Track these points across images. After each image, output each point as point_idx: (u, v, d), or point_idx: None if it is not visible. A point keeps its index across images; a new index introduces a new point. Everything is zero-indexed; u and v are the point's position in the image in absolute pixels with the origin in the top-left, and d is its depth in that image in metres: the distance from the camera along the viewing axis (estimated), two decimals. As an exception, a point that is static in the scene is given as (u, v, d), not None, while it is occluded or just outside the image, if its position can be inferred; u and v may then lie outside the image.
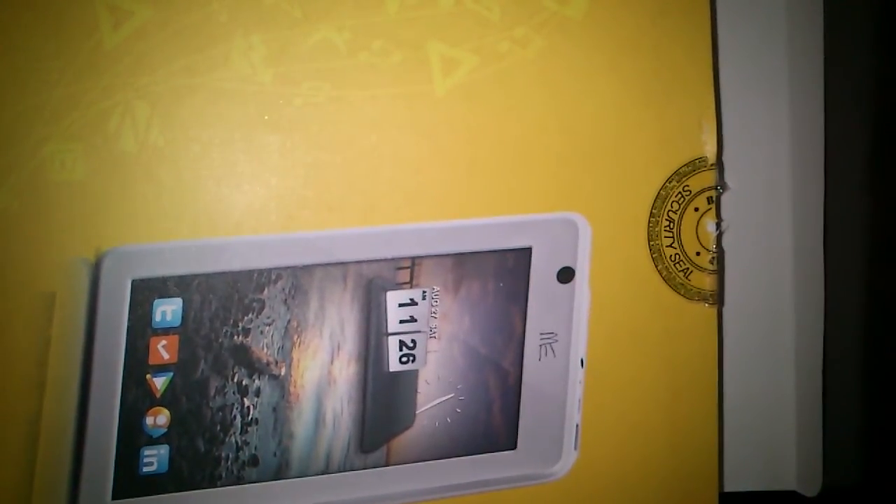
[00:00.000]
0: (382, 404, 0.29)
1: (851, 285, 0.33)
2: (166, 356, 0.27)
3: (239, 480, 0.28)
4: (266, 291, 0.27)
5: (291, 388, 0.28)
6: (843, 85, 0.33)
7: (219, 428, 0.27)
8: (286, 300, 0.27)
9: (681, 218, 0.31)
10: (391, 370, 0.29)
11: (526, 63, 0.29)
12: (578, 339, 0.30)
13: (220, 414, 0.27)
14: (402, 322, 0.28)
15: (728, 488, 0.33)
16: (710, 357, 0.31)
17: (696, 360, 0.31)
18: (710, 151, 0.31)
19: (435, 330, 0.29)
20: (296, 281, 0.27)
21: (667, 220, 0.30)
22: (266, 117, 0.28)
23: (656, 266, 0.30)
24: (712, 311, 0.31)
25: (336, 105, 0.28)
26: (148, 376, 0.27)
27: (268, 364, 0.28)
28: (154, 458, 0.27)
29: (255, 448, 0.28)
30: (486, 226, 0.29)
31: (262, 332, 0.27)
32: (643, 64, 0.30)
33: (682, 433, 0.31)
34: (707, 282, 0.31)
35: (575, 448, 0.30)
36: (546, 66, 0.29)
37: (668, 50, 0.30)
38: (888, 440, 0.33)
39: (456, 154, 0.29)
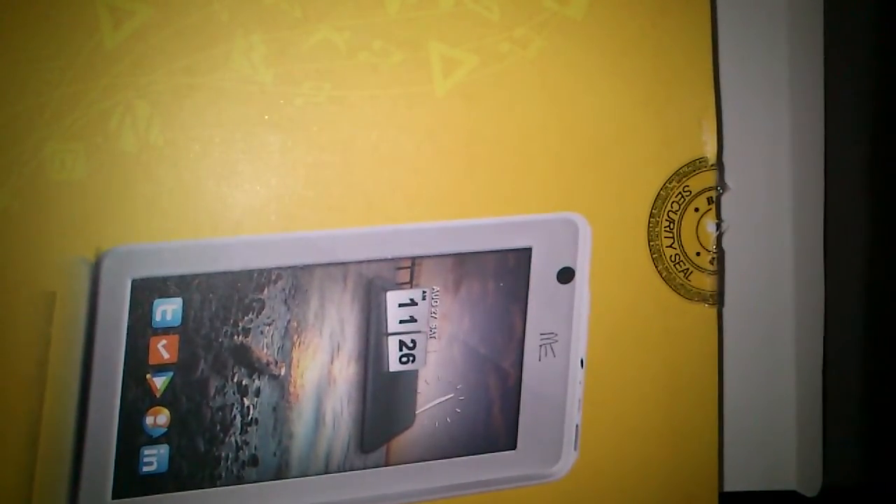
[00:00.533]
0: (382, 404, 0.29)
1: (851, 285, 0.33)
2: (166, 356, 0.27)
3: (239, 480, 0.28)
4: (266, 291, 0.27)
5: (291, 388, 0.28)
6: (843, 85, 0.33)
7: (219, 428, 0.27)
8: (286, 300, 0.27)
9: (681, 218, 0.31)
10: (391, 370, 0.29)
11: (526, 63, 0.29)
12: (578, 339, 0.30)
13: (220, 414, 0.27)
14: (401, 322, 0.28)
15: (728, 488, 0.33)
16: (710, 357, 0.31)
17: (696, 360, 0.31)
18: (710, 152, 0.31)
19: (435, 330, 0.29)
20: (296, 281, 0.28)
21: (667, 220, 0.30)
22: (266, 117, 0.28)
23: (656, 266, 0.30)
24: (712, 312, 0.31)
25: (336, 105, 0.28)
26: (148, 376, 0.27)
27: (268, 364, 0.28)
28: (154, 458, 0.27)
29: (255, 448, 0.28)
30: (486, 226, 0.29)
31: (262, 332, 0.27)
32: (643, 64, 0.30)
33: (682, 433, 0.31)
34: (707, 282, 0.31)
35: (575, 448, 0.30)
36: (546, 66, 0.29)
37: (668, 50, 0.30)
38: (888, 440, 0.33)
39: (456, 154, 0.29)
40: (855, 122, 0.33)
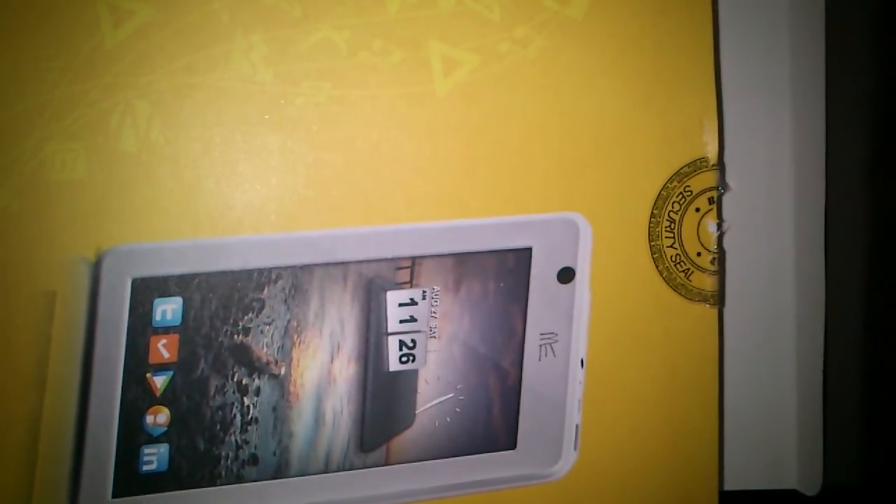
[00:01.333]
0: (382, 404, 0.29)
1: (852, 286, 0.33)
2: (166, 355, 0.27)
3: (239, 479, 0.28)
4: (266, 291, 0.27)
5: (291, 388, 0.28)
6: (844, 85, 0.33)
7: (219, 427, 0.27)
8: (286, 300, 0.28)
9: (682, 218, 0.31)
10: (391, 370, 0.29)
11: (526, 63, 0.29)
12: (578, 339, 0.30)
13: (220, 413, 0.27)
14: (402, 322, 0.28)
15: (728, 487, 0.33)
16: (710, 357, 0.31)
17: (696, 360, 0.31)
18: (711, 152, 0.31)
19: (435, 330, 0.29)
20: (296, 280, 0.28)
21: (668, 220, 0.30)
22: (266, 117, 0.28)
23: (657, 266, 0.30)
24: (713, 312, 0.31)
25: (336, 105, 0.28)
26: (148, 375, 0.27)
27: (268, 363, 0.28)
28: (154, 457, 0.27)
29: (255, 447, 0.28)
30: (486, 226, 0.29)
31: (262, 332, 0.27)
32: (644, 64, 0.30)
33: (682, 433, 0.31)
34: (708, 282, 0.31)
35: (575, 448, 0.30)
36: (547, 66, 0.29)
37: (669, 50, 0.30)
38: (888, 440, 0.33)
39: (456, 154, 0.29)
40: (856, 122, 0.33)
